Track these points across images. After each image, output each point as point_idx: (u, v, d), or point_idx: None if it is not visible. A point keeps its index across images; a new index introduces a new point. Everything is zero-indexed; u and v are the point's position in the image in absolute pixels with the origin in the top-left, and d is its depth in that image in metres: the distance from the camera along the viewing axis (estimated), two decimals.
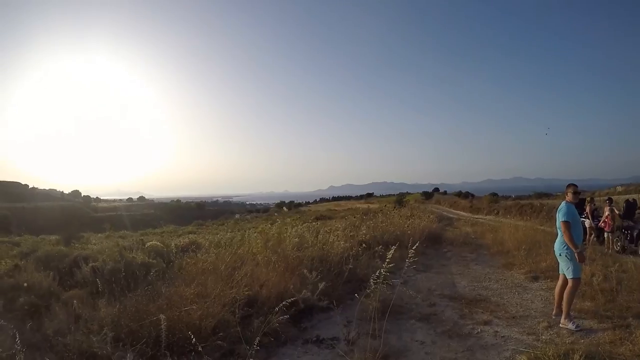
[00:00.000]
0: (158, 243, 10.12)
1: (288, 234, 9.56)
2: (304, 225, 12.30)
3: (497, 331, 5.90)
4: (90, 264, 7.98)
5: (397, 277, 7.44)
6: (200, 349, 4.35)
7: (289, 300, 5.71)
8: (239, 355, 4.96)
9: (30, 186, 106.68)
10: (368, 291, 5.78)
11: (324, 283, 7.00)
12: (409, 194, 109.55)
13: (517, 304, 7.30)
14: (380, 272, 5.36)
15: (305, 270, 7.43)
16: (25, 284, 6.90)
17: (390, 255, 5.49)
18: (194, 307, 5.35)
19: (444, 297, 7.90)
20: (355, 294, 6.25)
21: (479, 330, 5.98)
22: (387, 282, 6.10)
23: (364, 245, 9.72)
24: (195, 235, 15.51)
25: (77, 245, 13.48)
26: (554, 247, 6.41)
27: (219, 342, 5.05)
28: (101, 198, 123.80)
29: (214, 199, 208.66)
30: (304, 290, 6.80)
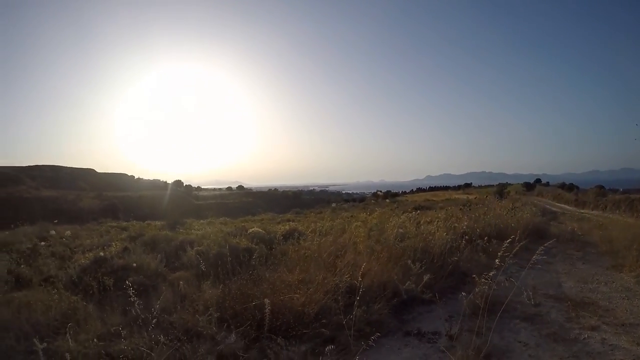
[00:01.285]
0: (260, 229, 10.45)
1: (390, 224, 9.47)
2: (404, 215, 12.16)
3: (604, 338, 5.53)
4: (195, 248, 8.45)
5: (500, 273, 7.16)
6: (303, 335, 4.44)
7: (392, 290, 5.66)
8: (340, 342, 5.04)
9: (136, 177, 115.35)
10: (473, 286, 5.61)
11: (428, 275, 6.92)
12: (509, 184, 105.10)
13: (626, 310, 6.75)
14: (485, 267, 5.19)
15: (409, 261, 7.37)
16: (135, 265, 7.44)
17: (493, 250, 5.26)
18: (298, 292, 5.47)
19: (549, 297, 7.51)
20: (458, 288, 6.10)
21: (586, 335, 5.63)
22: (490, 278, 5.92)
23: (466, 237, 9.44)
24: (295, 223, 15.83)
25: (181, 230, 14.25)
26: None
27: (322, 329, 5.14)
28: (202, 187, 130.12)
29: (311, 188, 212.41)
30: (408, 282, 6.76)
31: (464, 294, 6.00)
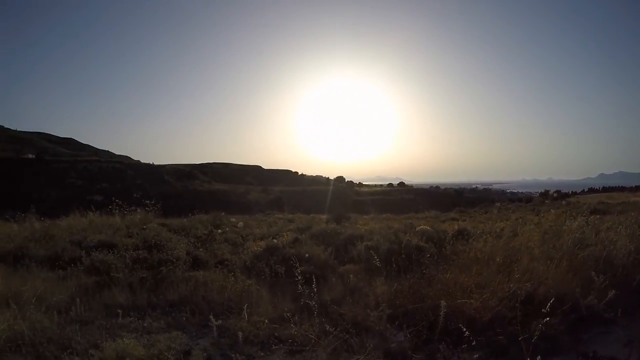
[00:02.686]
0: (428, 227, 10.32)
1: (566, 228, 8.79)
2: (581, 219, 11.19)
3: None
4: (364, 243, 8.58)
5: None
6: (475, 342, 4.28)
7: (570, 304, 5.28)
8: (512, 356, 4.76)
9: (300, 173, 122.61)
10: None
11: (613, 291, 6.24)
12: None
13: None
14: None
15: (593, 273, 6.73)
16: (307, 255, 7.81)
17: None
18: (473, 297, 5.29)
19: None
20: None
21: None
22: None
23: None
24: (464, 222, 15.34)
25: (346, 224, 14.55)
26: None
27: (496, 338, 4.90)
28: (363, 183, 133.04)
29: (473, 186, 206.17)
30: (590, 297, 6.16)
31: None
